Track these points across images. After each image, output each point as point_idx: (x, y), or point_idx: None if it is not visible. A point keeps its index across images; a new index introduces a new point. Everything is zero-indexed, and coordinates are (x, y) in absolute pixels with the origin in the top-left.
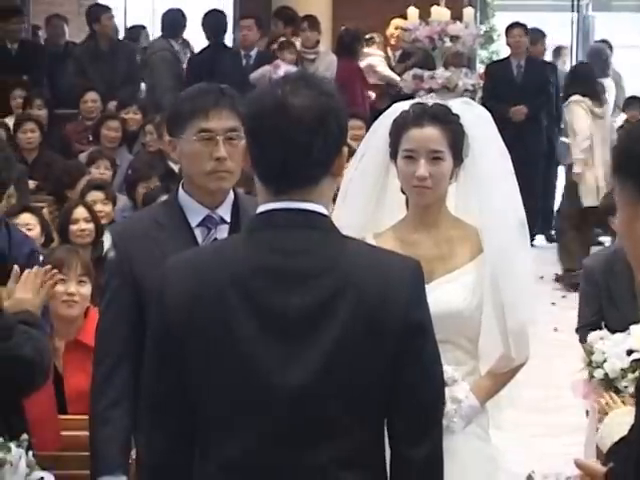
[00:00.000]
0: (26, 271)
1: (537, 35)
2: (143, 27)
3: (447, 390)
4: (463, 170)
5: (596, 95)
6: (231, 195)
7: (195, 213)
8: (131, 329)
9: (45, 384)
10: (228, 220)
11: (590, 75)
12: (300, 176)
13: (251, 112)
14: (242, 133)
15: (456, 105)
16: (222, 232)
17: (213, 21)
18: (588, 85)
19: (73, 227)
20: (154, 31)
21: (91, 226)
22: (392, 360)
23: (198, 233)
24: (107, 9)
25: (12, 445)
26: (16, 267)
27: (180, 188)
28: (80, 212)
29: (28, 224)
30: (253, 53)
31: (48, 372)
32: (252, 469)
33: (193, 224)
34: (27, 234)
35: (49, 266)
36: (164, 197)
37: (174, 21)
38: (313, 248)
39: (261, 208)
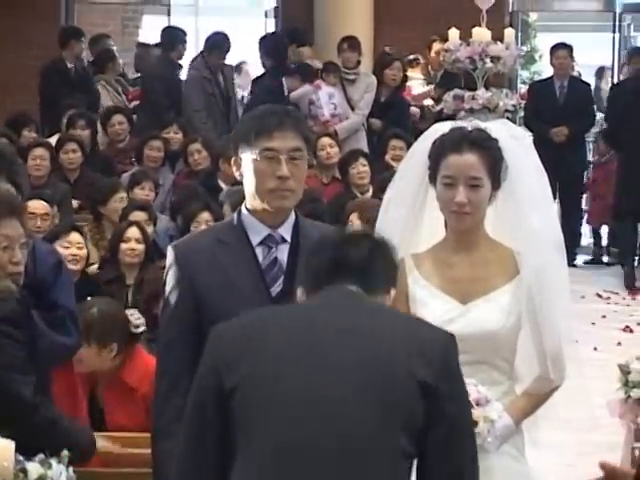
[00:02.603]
0: None
1: None
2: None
3: (480, 410)
4: (501, 192)
5: None
6: (292, 216)
7: (256, 232)
8: (191, 345)
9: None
10: (289, 240)
11: None
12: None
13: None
14: (305, 153)
15: (494, 127)
16: (282, 251)
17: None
18: None
19: (124, 245)
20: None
21: (142, 247)
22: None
23: (259, 251)
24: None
25: (53, 461)
26: None
27: (243, 207)
28: (133, 232)
29: (79, 243)
30: None
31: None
32: None
33: (254, 242)
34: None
35: None
36: (205, 214)
37: (215, 44)
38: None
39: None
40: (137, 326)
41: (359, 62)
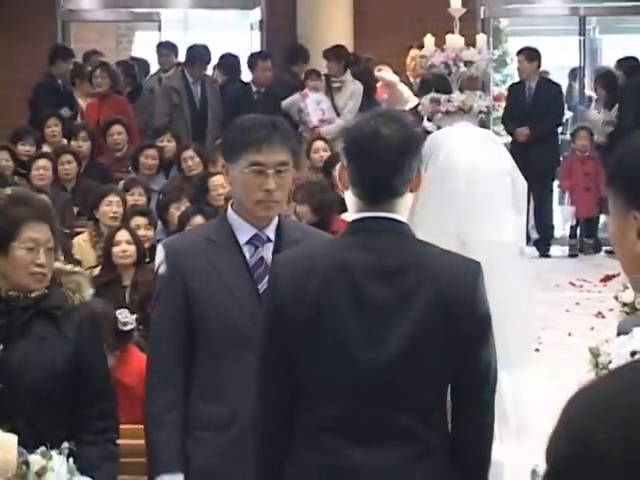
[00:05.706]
0: None
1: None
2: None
3: None
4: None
5: None
6: (276, 217)
7: (243, 232)
8: (181, 341)
9: None
10: (273, 239)
11: None
12: (389, 191)
13: (349, 138)
14: (291, 165)
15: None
16: (267, 250)
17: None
18: None
19: (116, 249)
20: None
21: (132, 248)
22: (463, 342)
23: (246, 250)
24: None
25: (54, 453)
26: None
27: (230, 208)
28: (122, 234)
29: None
30: (262, 89)
31: None
32: (345, 427)
33: (242, 241)
34: None
35: None
36: (198, 217)
37: (197, 56)
38: (398, 249)
39: (357, 215)
40: (125, 324)
41: (346, 70)
